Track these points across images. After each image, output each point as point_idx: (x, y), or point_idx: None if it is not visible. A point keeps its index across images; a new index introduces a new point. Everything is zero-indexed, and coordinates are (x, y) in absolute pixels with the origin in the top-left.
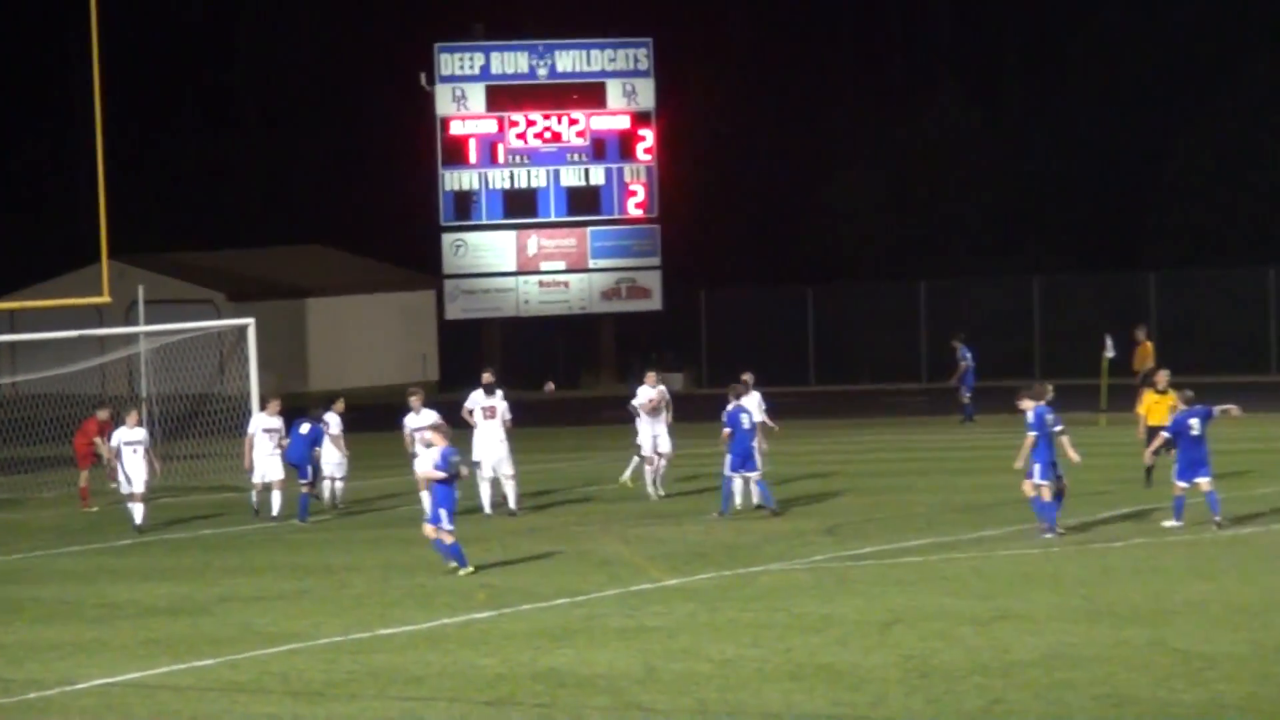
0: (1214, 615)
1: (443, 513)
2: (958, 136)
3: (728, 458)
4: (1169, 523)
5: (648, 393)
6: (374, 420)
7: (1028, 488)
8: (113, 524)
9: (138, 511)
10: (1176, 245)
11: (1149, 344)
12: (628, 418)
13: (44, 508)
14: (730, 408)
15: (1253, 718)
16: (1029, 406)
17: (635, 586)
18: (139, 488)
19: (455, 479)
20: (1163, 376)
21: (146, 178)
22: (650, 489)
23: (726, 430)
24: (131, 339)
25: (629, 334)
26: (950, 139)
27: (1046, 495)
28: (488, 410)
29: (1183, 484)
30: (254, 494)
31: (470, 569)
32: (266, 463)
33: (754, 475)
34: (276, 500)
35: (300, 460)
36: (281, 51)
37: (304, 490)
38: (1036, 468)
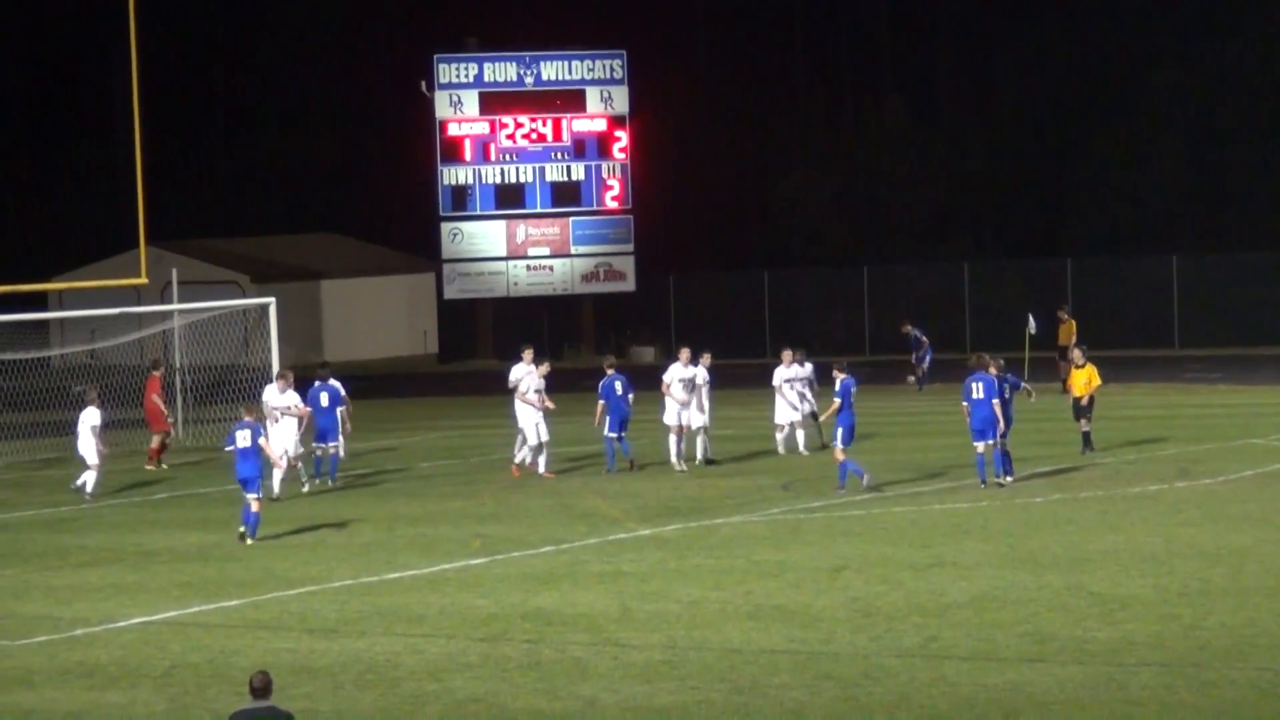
0: (1124, 563)
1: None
2: (898, 139)
3: (607, 420)
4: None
5: (678, 371)
6: (380, 389)
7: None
8: (158, 480)
9: (90, 479)
10: (1091, 235)
11: (1072, 322)
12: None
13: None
14: (604, 380)
15: (1159, 653)
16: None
17: (612, 536)
18: (91, 459)
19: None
20: (1078, 353)
21: (181, 173)
22: (674, 461)
23: (601, 402)
24: (166, 316)
25: (606, 312)
26: (891, 141)
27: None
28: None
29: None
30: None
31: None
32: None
33: (622, 434)
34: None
35: (329, 425)
36: (300, 62)
37: (332, 451)
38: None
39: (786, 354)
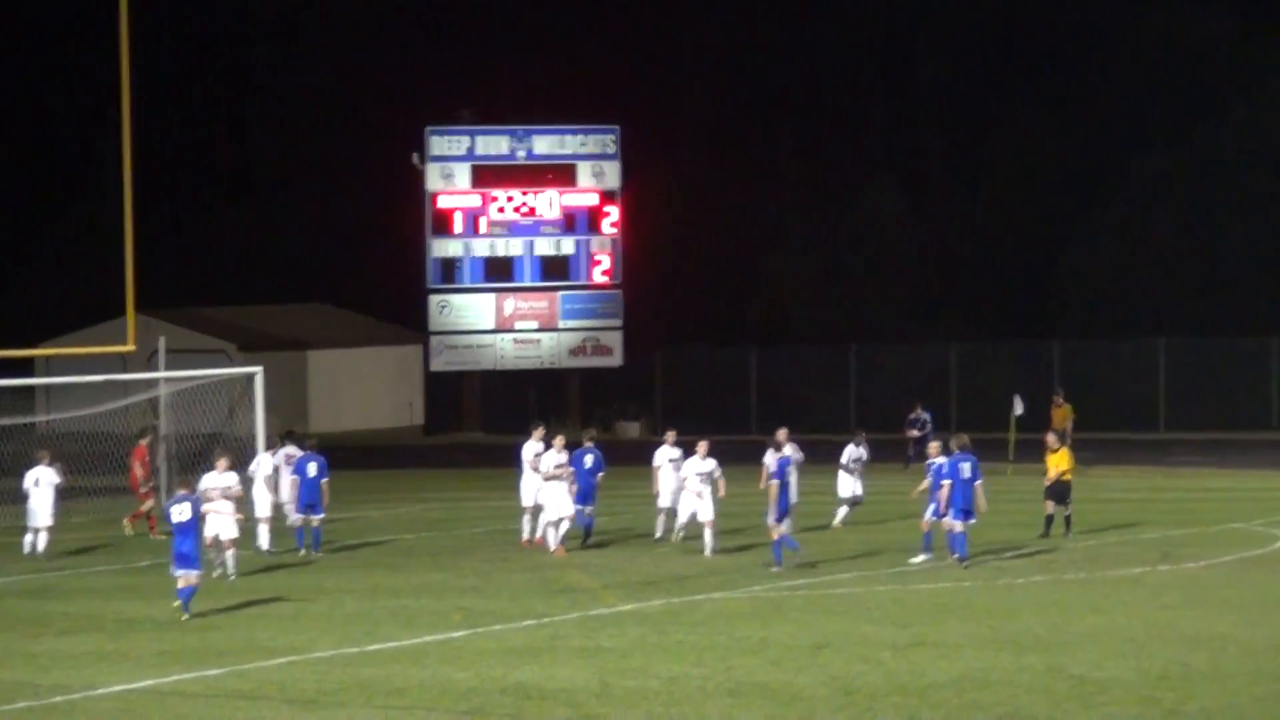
0: (1105, 645)
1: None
2: (886, 220)
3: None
4: (953, 558)
5: (695, 465)
6: (366, 460)
7: (940, 523)
8: (136, 548)
9: (41, 540)
10: (1077, 317)
11: (1067, 406)
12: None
13: (72, 531)
14: (576, 451)
15: None
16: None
17: (593, 611)
18: (45, 521)
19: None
20: (1051, 439)
21: (170, 241)
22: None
23: (570, 469)
24: (153, 383)
25: (593, 387)
26: (880, 222)
27: (958, 528)
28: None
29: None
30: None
31: (183, 612)
32: (218, 521)
33: (588, 509)
34: (263, 534)
35: (315, 498)
36: (292, 132)
37: (315, 524)
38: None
39: (781, 433)
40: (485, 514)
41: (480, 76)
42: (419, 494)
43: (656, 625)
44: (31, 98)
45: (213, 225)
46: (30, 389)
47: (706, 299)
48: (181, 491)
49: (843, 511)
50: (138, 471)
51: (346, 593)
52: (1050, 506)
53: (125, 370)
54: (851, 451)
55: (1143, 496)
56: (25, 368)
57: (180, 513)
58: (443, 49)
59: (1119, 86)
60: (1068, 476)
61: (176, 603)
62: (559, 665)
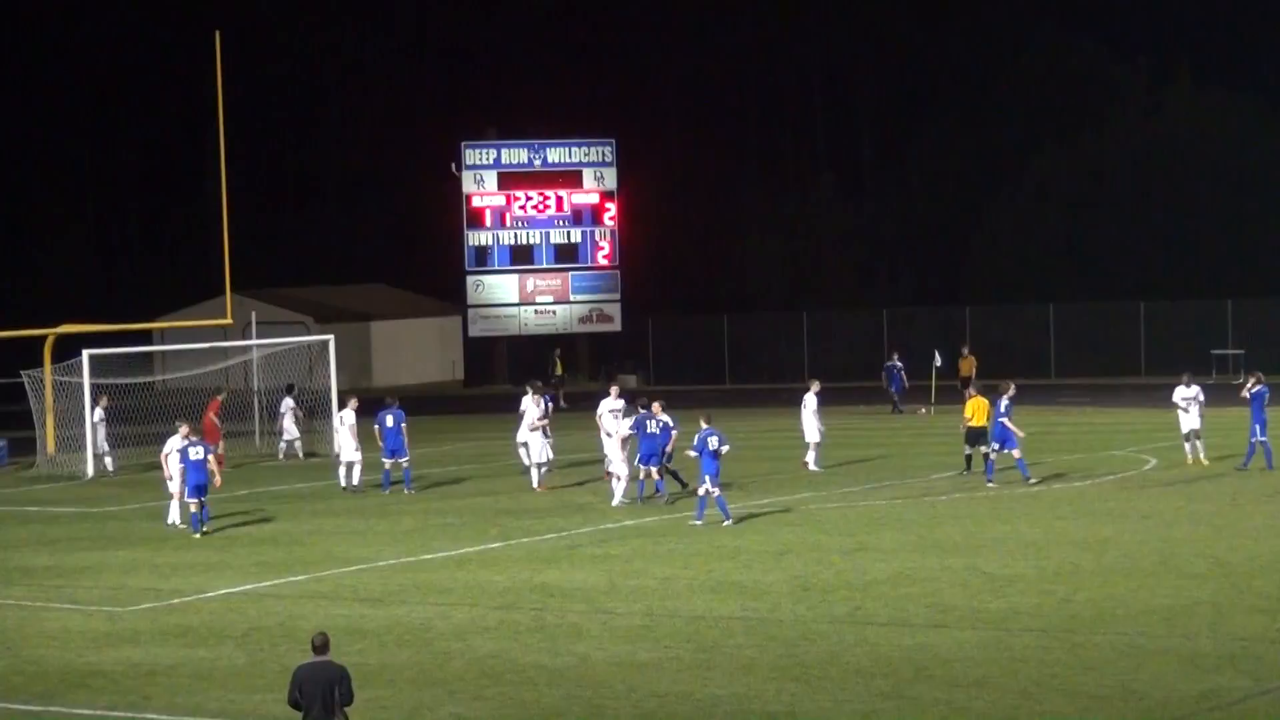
0: (1011, 549)
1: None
2: (831, 210)
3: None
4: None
5: (608, 404)
6: (418, 408)
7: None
8: (232, 480)
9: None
10: (984, 287)
11: (972, 358)
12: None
13: None
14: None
15: (1038, 621)
16: None
17: (603, 526)
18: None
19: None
20: (970, 390)
21: (259, 233)
22: (815, 466)
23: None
24: (246, 349)
25: (598, 347)
26: (826, 212)
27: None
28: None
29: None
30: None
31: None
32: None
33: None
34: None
35: (397, 445)
36: (355, 145)
37: (405, 465)
38: None
39: (814, 382)
40: (514, 450)
41: (504, 100)
42: (461, 435)
43: (653, 537)
44: (149, 122)
45: (293, 220)
46: (150, 355)
47: (688, 275)
48: (194, 437)
49: (1188, 446)
50: (213, 420)
51: (404, 513)
52: (968, 449)
53: (224, 339)
54: (1182, 391)
55: (1039, 430)
56: (145, 338)
57: (196, 453)
58: (472, 78)
59: (1015, 102)
60: (980, 423)
61: (205, 526)
62: (576, 569)
